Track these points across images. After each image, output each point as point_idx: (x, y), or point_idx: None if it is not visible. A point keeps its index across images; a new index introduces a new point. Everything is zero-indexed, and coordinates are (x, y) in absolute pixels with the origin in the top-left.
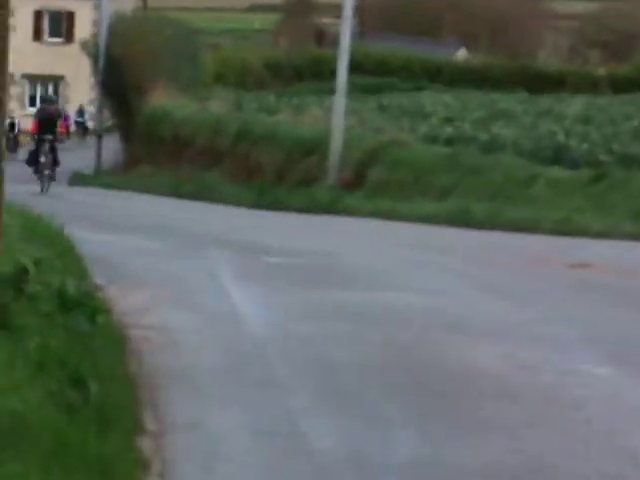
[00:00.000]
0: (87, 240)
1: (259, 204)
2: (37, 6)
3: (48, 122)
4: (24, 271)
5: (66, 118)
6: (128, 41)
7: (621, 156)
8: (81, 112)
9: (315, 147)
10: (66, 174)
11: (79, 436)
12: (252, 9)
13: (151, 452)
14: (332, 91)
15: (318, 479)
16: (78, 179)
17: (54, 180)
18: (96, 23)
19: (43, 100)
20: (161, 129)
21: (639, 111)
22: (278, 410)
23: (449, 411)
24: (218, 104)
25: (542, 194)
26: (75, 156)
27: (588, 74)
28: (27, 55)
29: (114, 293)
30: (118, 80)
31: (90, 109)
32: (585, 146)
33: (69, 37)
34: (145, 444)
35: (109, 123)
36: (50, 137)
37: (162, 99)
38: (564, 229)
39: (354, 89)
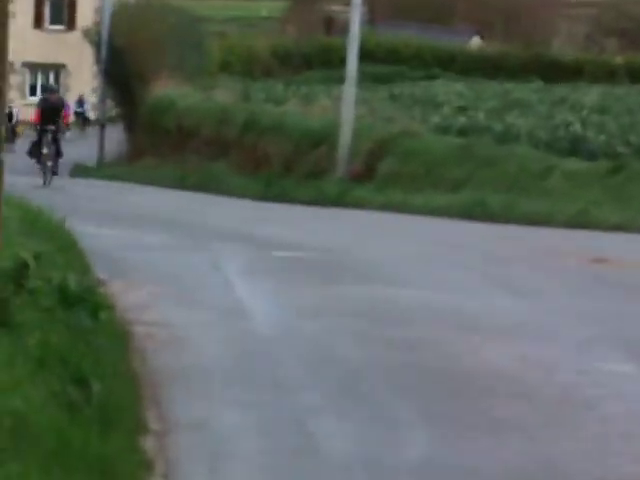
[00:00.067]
0: (89, 234)
1: (266, 196)
2: None
3: (51, 112)
4: (24, 266)
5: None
6: (131, 29)
7: (639, 147)
8: (81, 102)
9: (324, 138)
10: (67, 166)
11: (81, 436)
12: None
13: (154, 452)
14: (341, 80)
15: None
16: (80, 171)
17: (57, 174)
18: (98, 10)
19: (44, 89)
20: (165, 119)
21: None
22: (285, 409)
23: (462, 411)
24: (224, 93)
25: (558, 186)
26: (75, 147)
27: (605, 63)
28: (27, 43)
29: (117, 288)
30: (121, 69)
31: (92, 99)
32: (602, 137)
33: (71, 24)
34: (148, 444)
35: (112, 113)
36: (53, 128)
37: (166, 88)
38: (580, 222)
39: (364, 78)
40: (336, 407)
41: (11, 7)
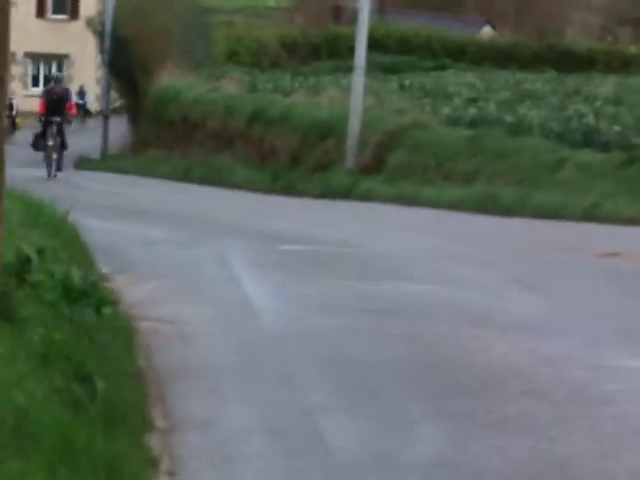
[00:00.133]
0: (93, 227)
1: (273, 189)
2: None
3: (56, 103)
4: (27, 260)
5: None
6: (136, 18)
7: None
8: (81, 93)
9: (332, 129)
10: (69, 158)
11: (85, 433)
12: None
13: (160, 450)
14: (350, 70)
15: None
16: (84, 163)
17: (61, 170)
18: None
19: (50, 79)
20: (170, 111)
21: None
22: (294, 407)
23: (474, 409)
24: (230, 84)
25: (571, 178)
26: (77, 139)
27: (619, 53)
28: (30, 32)
29: (121, 283)
30: (125, 59)
31: (96, 90)
32: (616, 128)
33: (74, 14)
34: (154, 442)
35: (116, 104)
36: (58, 119)
37: (171, 79)
38: (594, 215)
39: (373, 68)
40: (346, 405)
41: None
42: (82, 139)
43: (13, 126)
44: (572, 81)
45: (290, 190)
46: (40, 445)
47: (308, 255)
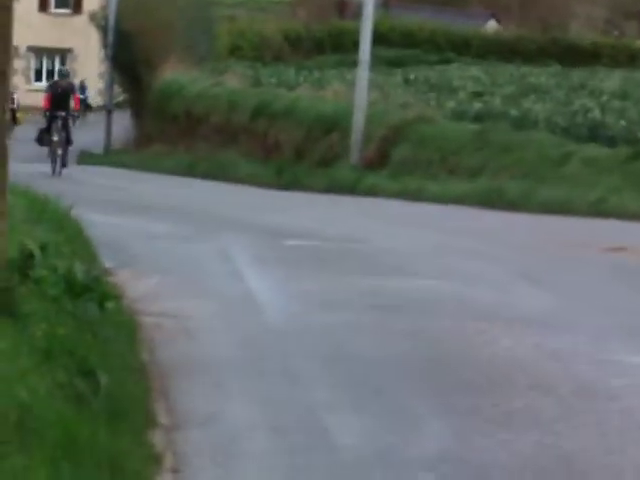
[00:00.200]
0: (96, 222)
1: (277, 184)
2: None
3: (61, 97)
4: (30, 255)
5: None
6: (139, 12)
7: None
8: (82, 87)
9: (336, 124)
10: (72, 153)
11: (88, 429)
12: None
13: (163, 447)
14: (354, 64)
15: (341, 477)
16: (87, 158)
17: (66, 166)
18: None
19: (60, 74)
20: (174, 105)
21: None
22: (298, 404)
23: (479, 403)
24: (234, 79)
25: (577, 173)
26: (79, 133)
27: (625, 47)
28: (33, 26)
29: (124, 278)
30: (129, 53)
31: (99, 84)
32: (622, 123)
33: (77, 8)
34: (157, 438)
35: (119, 99)
36: (63, 114)
37: (175, 74)
38: (600, 210)
39: (378, 62)
40: (350, 401)
41: None
42: (84, 134)
43: (14, 121)
44: (577, 75)
45: (294, 185)
46: (43, 440)
47: (312, 250)
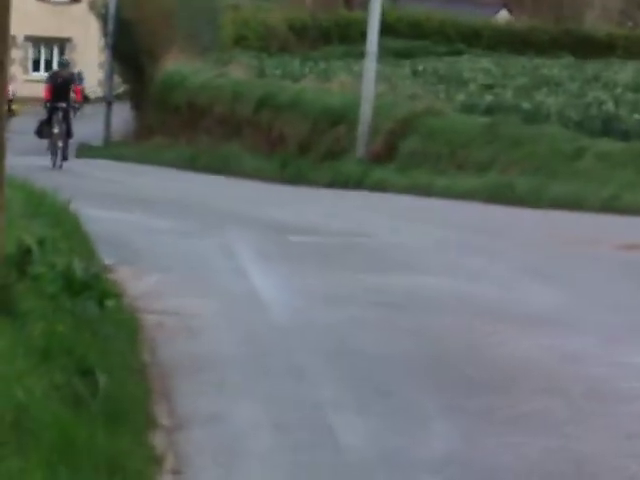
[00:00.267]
0: (95, 217)
1: (282, 178)
2: None
3: (61, 88)
4: (27, 251)
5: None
6: (140, 0)
7: None
8: (79, 78)
9: (343, 116)
10: (71, 146)
11: (86, 430)
12: None
13: (164, 448)
14: (362, 55)
15: (345, 478)
16: (86, 150)
17: (67, 159)
18: None
19: (61, 64)
20: (176, 96)
21: None
22: (302, 402)
23: (487, 405)
24: (238, 69)
25: (590, 168)
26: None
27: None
28: (30, 15)
29: (125, 275)
30: (129, 43)
31: (98, 75)
32: (636, 116)
33: None
34: (158, 439)
35: (119, 90)
36: (64, 105)
37: (177, 64)
38: (613, 206)
39: (385, 53)
40: (356, 400)
41: None
42: (82, 126)
43: (9, 112)
44: (591, 67)
45: (299, 179)
46: (40, 443)
47: (317, 246)
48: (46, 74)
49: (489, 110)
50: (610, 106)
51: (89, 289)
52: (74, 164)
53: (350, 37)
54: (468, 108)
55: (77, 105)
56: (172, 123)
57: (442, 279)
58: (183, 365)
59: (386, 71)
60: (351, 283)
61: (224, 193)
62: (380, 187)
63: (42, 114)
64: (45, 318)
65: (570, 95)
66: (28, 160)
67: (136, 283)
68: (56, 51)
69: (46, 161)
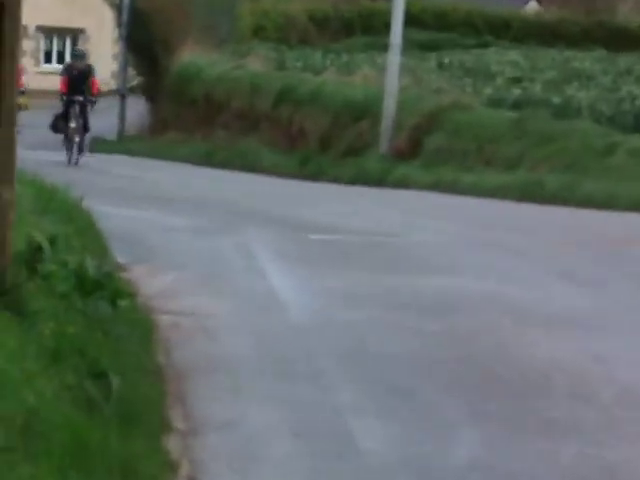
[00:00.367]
0: (108, 214)
1: (302, 174)
2: None
3: (77, 80)
4: (38, 249)
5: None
6: None
7: None
8: None
9: (366, 111)
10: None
11: (99, 435)
12: None
13: (179, 453)
14: (385, 48)
15: None
16: (99, 145)
17: (83, 151)
18: None
19: (74, 55)
20: (192, 89)
21: None
22: (322, 407)
23: (514, 410)
24: (256, 61)
25: (622, 165)
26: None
27: None
28: (42, 5)
29: (139, 274)
30: (144, 34)
31: (112, 66)
32: None
33: None
34: (173, 444)
35: (133, 82)
36: (80, 98)
37: (193, 56)
38: None
39: (410, 45)
40: (377, 405)
41: None
42: (95, 119)
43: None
44: (624, 60)
45: (320, 176)
46: (50, 447)
47: (338, 245)
48: (58, 66)
49: (517, 104)
50: None
51: (102, 288)
52: (87, 159)
53: (373, 28)
54: (495, 102)
55: (94, 98)
56: (188, 117)
57: (468, 279)
58: (199, 367)
59: (410, 64)
60: (372, 283)
61: (241, 190)
62: (403, 184)
63: (56, 107)
64: (56, 318)
65: (602, 89)
66: (39, 155)
67: (150, 282)
68: (69, 42)
69: (59, 156)
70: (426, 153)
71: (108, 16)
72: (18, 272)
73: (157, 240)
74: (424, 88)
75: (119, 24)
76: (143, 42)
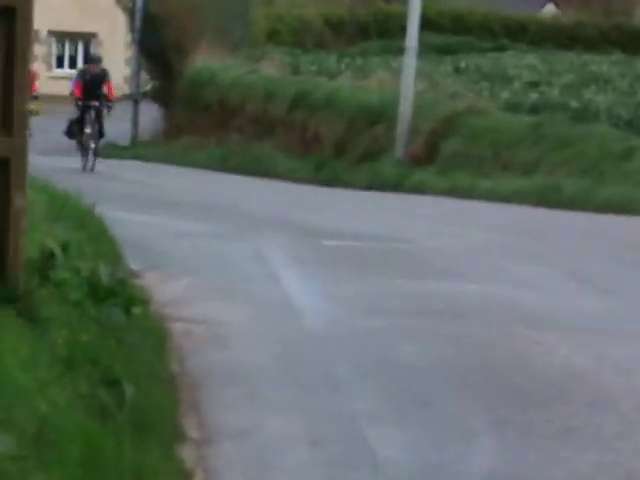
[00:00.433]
0: (121, 220)
1: (316, 180)
2: None
3: (93, 85)
4: (50, 255)
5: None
6: None
7: None
8: None
9: (381, 115)
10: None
11: (112, 443)
12: None
13: (193, 462)
14: (401, 51)
15: None
16: (112, 150)
17: (97, 155)
18: None
19: (90, 60)
20: (206, 94)
21: None
22: (337, 415)
23: (533, 418)
24: (271, 66)
25: None
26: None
27: None
28: (54, 9)
29: (152, 281)
30: (157, 38)
31: (125, 71)
32: None
33: None
34: (187, 453)
35: (146, 87)
36: (96, 104)
37: (207, 60)
38: None
39: (426, 49)
40: (394, 413)
41: None
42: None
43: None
44: None
45: (335, 181)
46: (63, 456)
47: (354, 251)
48: (70, 71)
49: (534, 109)
50: None
51: (115, 295)
52: (100, 165)
53: (389, 32)
54: (513, 107)
55: (109, 103)
56: (202, 122)
57: (485, 285)
58: (213, 375)
59: (426, 68)
60: (389, 290)
61: (256, 195)
62: (419, 189)
63: (68, 112)
64: (69, 326)
65: (620, 93)
66: (52, 161)
67: (164, 289)
68: (81, 47)
69: (73, 162)
70: (442, 158)
71: (120, 20)
72: (30, 279)
73: (171, 246)
74: (440, 92)
75: (132, 29)
76: (156, 47)
